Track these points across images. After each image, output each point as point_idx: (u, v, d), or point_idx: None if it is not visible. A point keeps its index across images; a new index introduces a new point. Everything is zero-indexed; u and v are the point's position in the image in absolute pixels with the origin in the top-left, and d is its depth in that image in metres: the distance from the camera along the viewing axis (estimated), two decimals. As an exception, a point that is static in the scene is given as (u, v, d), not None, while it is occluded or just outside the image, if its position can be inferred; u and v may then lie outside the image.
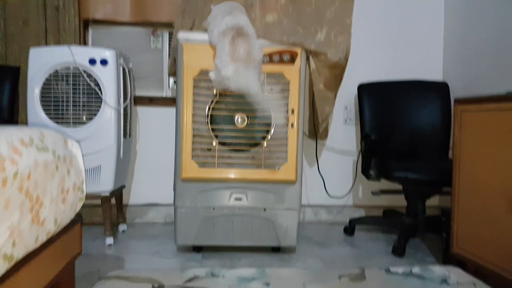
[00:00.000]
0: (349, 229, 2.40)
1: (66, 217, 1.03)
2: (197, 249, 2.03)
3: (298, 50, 1.87)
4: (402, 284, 1.60)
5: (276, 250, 2.06)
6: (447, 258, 1.89)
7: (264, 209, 1.95)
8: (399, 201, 2.67)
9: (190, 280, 1.58)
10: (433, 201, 2.72)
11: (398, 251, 2.03)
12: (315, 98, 2.08)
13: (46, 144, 0.95)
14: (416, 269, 1.75)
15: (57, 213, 0.97)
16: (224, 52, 1.63)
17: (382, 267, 1.78)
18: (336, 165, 2.67)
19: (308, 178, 2.65)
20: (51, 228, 0.96)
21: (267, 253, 2.03)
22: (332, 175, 2.67)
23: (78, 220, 1.16)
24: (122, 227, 2.36)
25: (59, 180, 0.97)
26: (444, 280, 1.64)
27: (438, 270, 1.74)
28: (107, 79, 1.97)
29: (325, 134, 2.43)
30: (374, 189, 2.58)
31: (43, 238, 0.94)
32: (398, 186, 2.34)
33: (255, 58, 1.67)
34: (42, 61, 1.92)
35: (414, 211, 2.21)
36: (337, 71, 1.99)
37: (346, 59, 1.97)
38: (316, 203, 2.68)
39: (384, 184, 2.57)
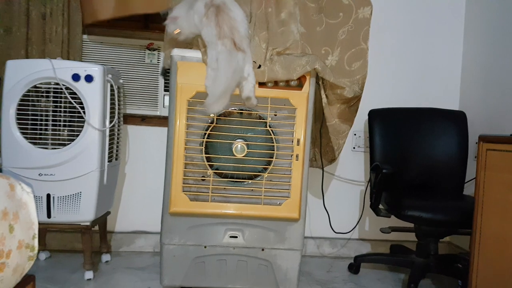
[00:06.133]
0: (354, 267, 2.20)
1: (5, 286, 0.82)
2: (186, 289, 1.83)
3: (307, 75, 1.68)
4: None
5: (273, 293, 1.86)
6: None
7: (262, 249, 1.74)
8: (408, 236, 2.48)
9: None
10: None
11: (409, 296, 1.85)
12: (330, 133, 1.85)
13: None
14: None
15: (-8, 286, 0.76)
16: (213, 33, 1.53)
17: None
18: (342, 195, 2.46)
19: (311, 208, 2.44)
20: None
21: (263, 297, 1.83)
22: (337, 206, 2.46)
23: (27, 282, 0.94)
24: (105, 257, 2.14)
25: (-4, 243, 0.76)
26: None
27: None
28: (92, 98, 1.76)
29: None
30: (383, 225, 2.38)
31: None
32: (409, 223, 2.14)
33: (239, 32, 1.55)
34: (20, 75, 1.72)
35: (425, 250, 2.03)
36: (352, 101, 1.79)
37: (362, 89, 1.76)
38: (319, 235, 2.47)
39: (394, 218, 2.36)
